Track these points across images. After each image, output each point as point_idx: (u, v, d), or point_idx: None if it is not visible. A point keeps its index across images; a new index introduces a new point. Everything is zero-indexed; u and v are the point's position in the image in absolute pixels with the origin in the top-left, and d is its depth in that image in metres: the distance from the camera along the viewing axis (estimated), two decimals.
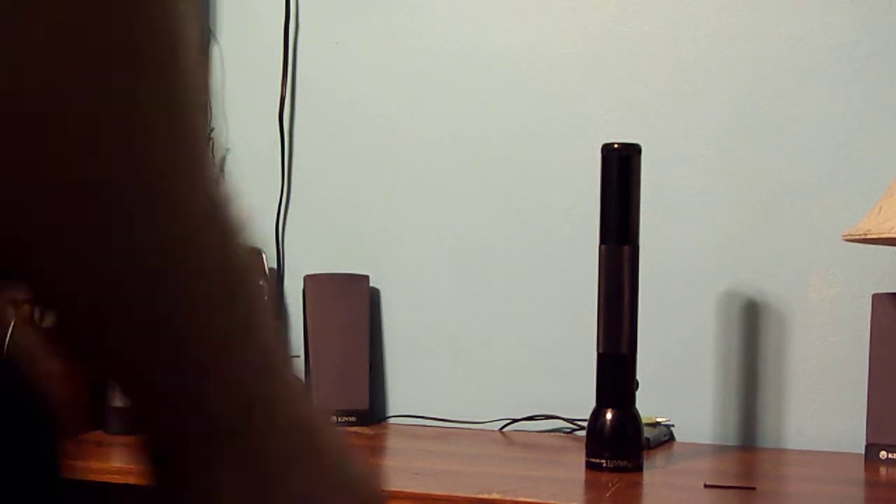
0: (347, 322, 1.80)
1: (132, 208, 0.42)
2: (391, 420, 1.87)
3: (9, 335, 0.56)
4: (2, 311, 0.59)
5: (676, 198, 1.74)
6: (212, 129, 1.97)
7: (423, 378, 1.87)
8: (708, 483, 1.40)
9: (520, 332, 1.82)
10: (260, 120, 1.96)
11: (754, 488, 1.41)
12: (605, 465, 1.44)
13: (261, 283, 0.48)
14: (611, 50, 1.79)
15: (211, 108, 1.96)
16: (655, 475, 1.47)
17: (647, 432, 1.56)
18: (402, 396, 1.88)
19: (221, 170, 1.89)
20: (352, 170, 1.90)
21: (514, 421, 1.78)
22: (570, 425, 1.74)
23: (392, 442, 1.72)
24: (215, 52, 1.99)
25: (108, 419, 1.66)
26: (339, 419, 1.77)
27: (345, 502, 0.51)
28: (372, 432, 1.76)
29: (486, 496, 1.29)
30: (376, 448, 1.65)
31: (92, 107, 0.40)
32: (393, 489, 1.32)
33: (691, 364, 1.74)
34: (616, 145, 1.48)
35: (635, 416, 1.47)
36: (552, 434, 1.75)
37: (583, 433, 1.52)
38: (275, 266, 1.94)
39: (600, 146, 1.49)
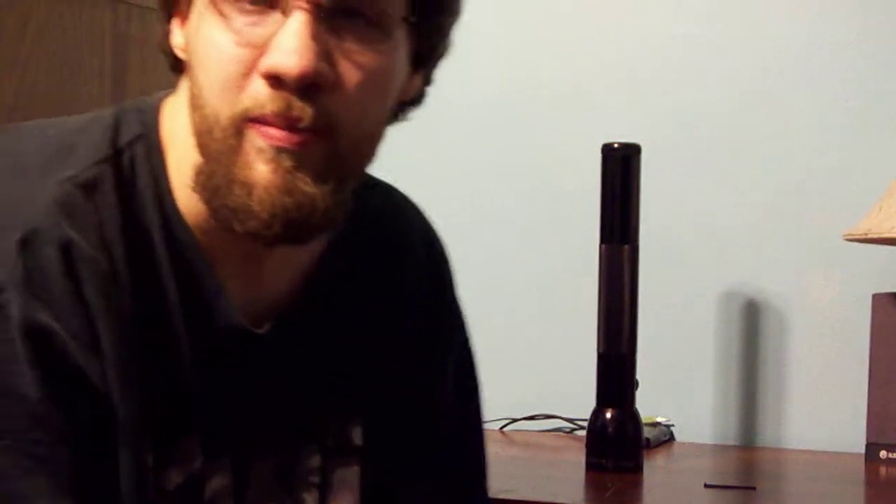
0: None
1: None
2: None
3: None
4: None
5: (676, 198, 1.74)
6: None
7: None
8: (708, 483, 1.40)
9: (520, 332, 1.82)
10: None
11: (754, 488, 1.41)
12: (605, 465, 1.44)
13: None
14: (611, 50, 1.79)
15: None
16: (655, 475, 1.47)
17: (647, 432, 1.56)
18: None
19: None
20: None
21: (514, 421, 1.77)
22: (570, 425, 1.74)
23: None
24: None
25: None
26: None
27: None
28: None
29: None
30: None
31: None
32: None
33: (691, 364, 1.74)
34: (616, 145, 1.48)
35: (635, 416, 1.47)
36: (552, 434, 1.75)
37: (583, 433, 1.52)
38: None
39: (600, 146, 1.49)
